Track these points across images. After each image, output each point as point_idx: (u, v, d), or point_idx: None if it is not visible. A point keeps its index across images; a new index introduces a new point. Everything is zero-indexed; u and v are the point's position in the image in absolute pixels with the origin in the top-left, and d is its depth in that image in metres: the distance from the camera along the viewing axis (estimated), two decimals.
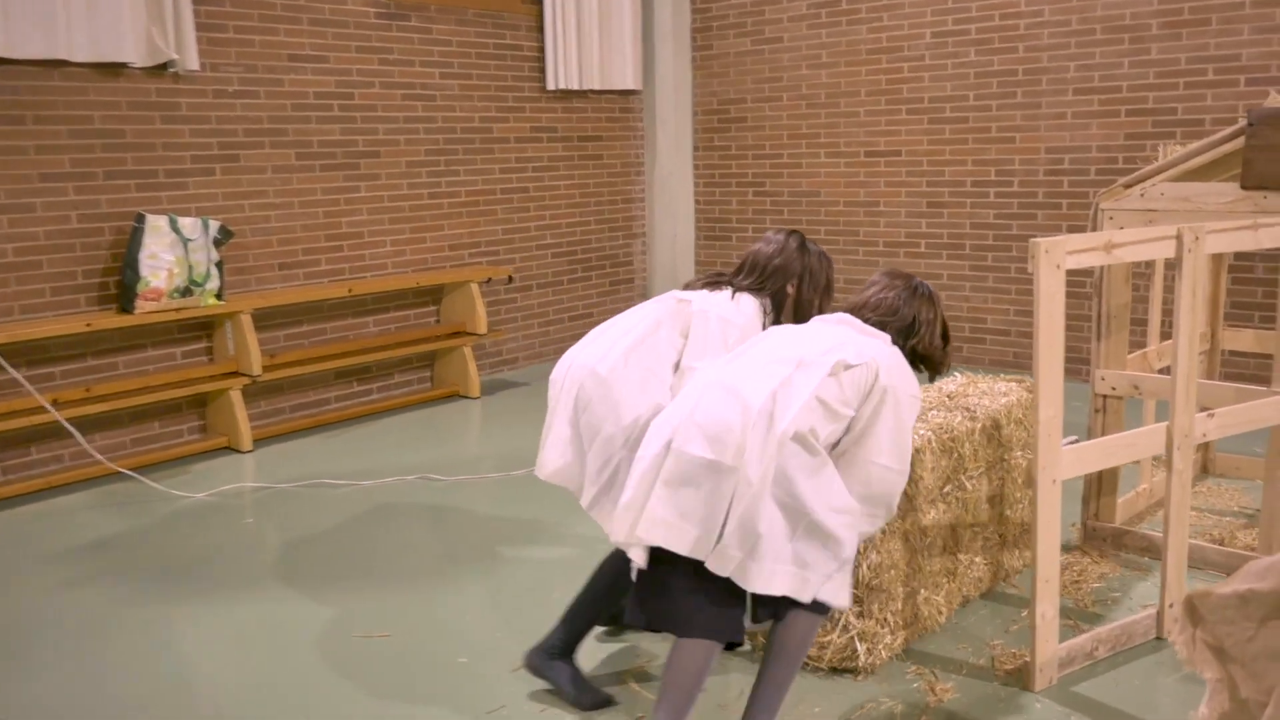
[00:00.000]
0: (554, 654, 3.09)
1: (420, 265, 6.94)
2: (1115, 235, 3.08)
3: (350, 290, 6.28)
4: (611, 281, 8.37)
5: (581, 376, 2.99)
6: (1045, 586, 3.03)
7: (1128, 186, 3.85)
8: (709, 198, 8.51)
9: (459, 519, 4.62)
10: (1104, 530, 4.07)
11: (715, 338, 2.96)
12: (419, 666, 3.32)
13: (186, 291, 5.41)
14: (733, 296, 3.06)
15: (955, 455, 3.43)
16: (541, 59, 7.55)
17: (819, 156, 7.85)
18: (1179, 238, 3.17)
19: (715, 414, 2.50)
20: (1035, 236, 3.13)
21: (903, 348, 2.81)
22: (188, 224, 5.41)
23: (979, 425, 3.53)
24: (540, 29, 7.52)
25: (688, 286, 3.17)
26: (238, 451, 5.66)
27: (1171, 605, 3.33)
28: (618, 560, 3.03)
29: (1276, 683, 1.62)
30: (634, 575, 2.62)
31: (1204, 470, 4.87)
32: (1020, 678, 3.11)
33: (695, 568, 2.49)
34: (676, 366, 3.00)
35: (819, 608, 2.59)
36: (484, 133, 7.26)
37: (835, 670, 3.16)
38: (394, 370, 6.80)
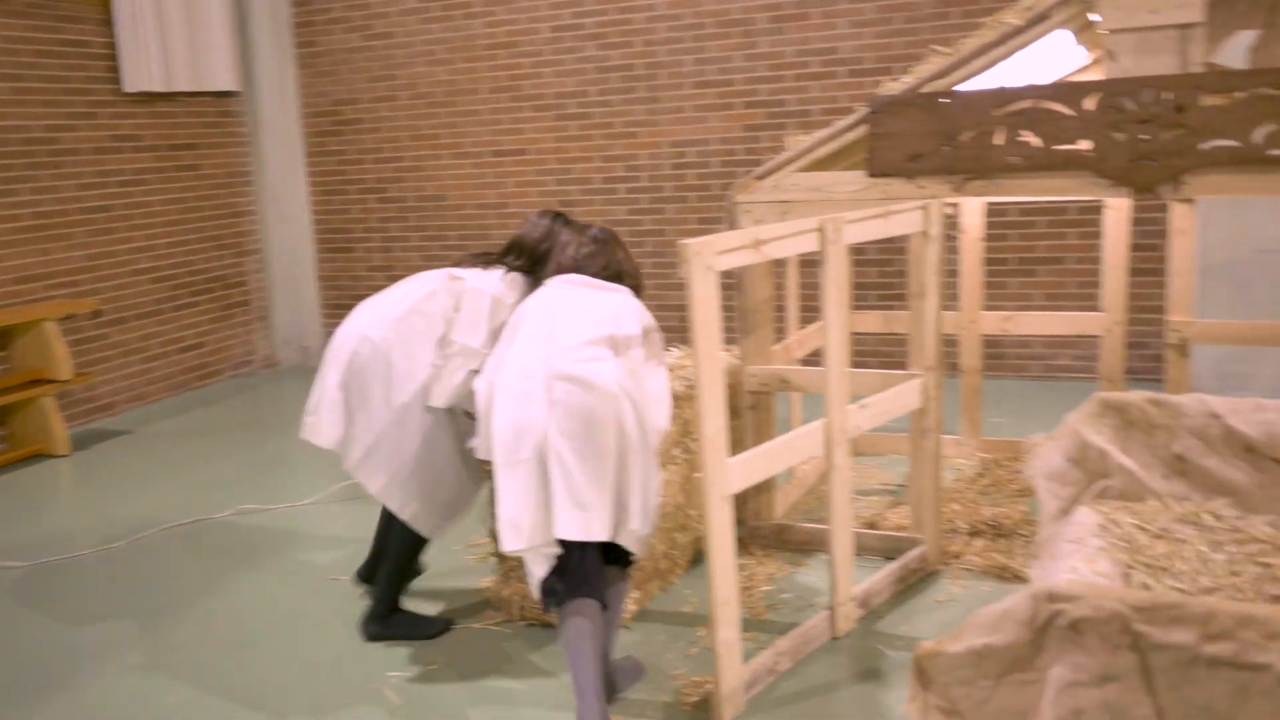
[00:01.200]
0: (385, 614, 3.40)
1: None
2: (762, 232, 2.93)
3: None
4: (225, 305, 7.49)
5: (354, 343, 3.21)
6: (724, 610, 2.83)
7: (760, 178, 3.78)
8: (328, 207, 7.85)
9: (35, 622, 3.78)
10: (766, 529, 3.99)
11: (485, 315, 3.18)
12: None
13: None
14: (504, 276, 3.27)
15: (681, 420, 3.45)
16: (114, 56, 6.56)
17: (443, 158, 7.44)
18: (821, 231, 3.08)
19: (576, 407, 2.70)
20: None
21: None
22: None
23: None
24: (110, 21, 6.52)
25: (459, 264, 3.37)
26: None
27: (843, 603, 3.26)
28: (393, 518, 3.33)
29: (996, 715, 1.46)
30: (539, 572, 2.80)
31: None
32: (706, 709, 2.90)
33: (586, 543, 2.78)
34: (443, 339, 3.21)
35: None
36: (49, 144, 6.18)
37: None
38: None
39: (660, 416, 2.95)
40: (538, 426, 2.71)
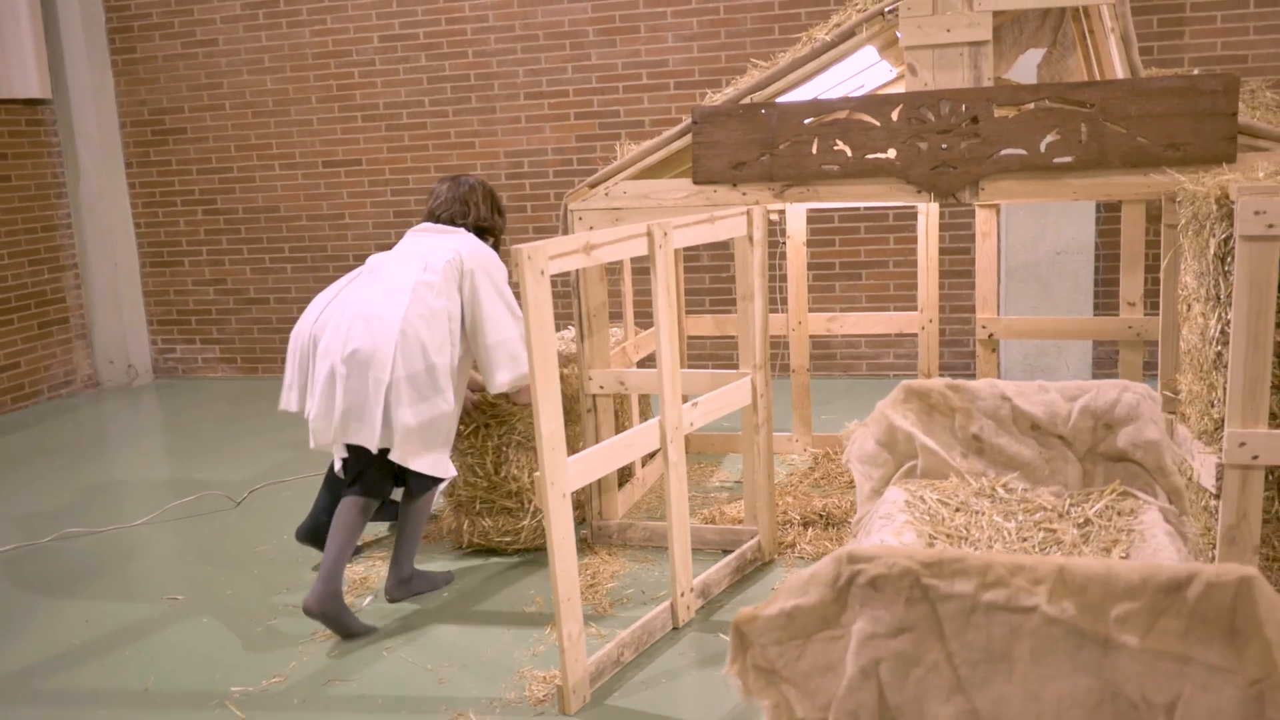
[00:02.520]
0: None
1: None
2: (593, 236, 3.03)
3: None
4: (41, 323, 7.13)
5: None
6: (567, 605, 2.91)
7: (592, 186, 3.89)
8: (152, 219, 7.56)
9: None
10: (609, 528, 4.10)
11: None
12: None
13: None
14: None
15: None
16: None
17: (274, 169, 7.29)
18: (649, 235, 3.21)
19: (361, 340, 3.38)
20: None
21: (472, 230, 3.67)
22: None
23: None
24: None
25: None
26: None
27: (684, 594, 3.40)
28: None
29: (831, 696, 1.59)
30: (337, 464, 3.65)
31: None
32: (555, 703, 2.97)
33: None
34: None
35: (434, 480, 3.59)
36: None
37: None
38: None
39: (488, 352, 3.52)
40: (334, 351, 3.42)
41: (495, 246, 3.76)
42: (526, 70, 6.77)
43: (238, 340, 7.46)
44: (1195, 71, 3.88)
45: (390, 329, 3.36)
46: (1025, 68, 4.99)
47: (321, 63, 7.07)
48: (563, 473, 2.87)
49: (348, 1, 6.93)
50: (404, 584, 3.70)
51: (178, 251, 7.56)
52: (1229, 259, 2.74)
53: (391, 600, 3.69)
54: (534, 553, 4.01)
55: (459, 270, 3.49)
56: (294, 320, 3.99)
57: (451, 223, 3.67)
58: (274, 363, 7.40)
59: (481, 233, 3.72)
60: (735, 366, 3.91)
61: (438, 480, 3.58)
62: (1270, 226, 2.64)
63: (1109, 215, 5.97)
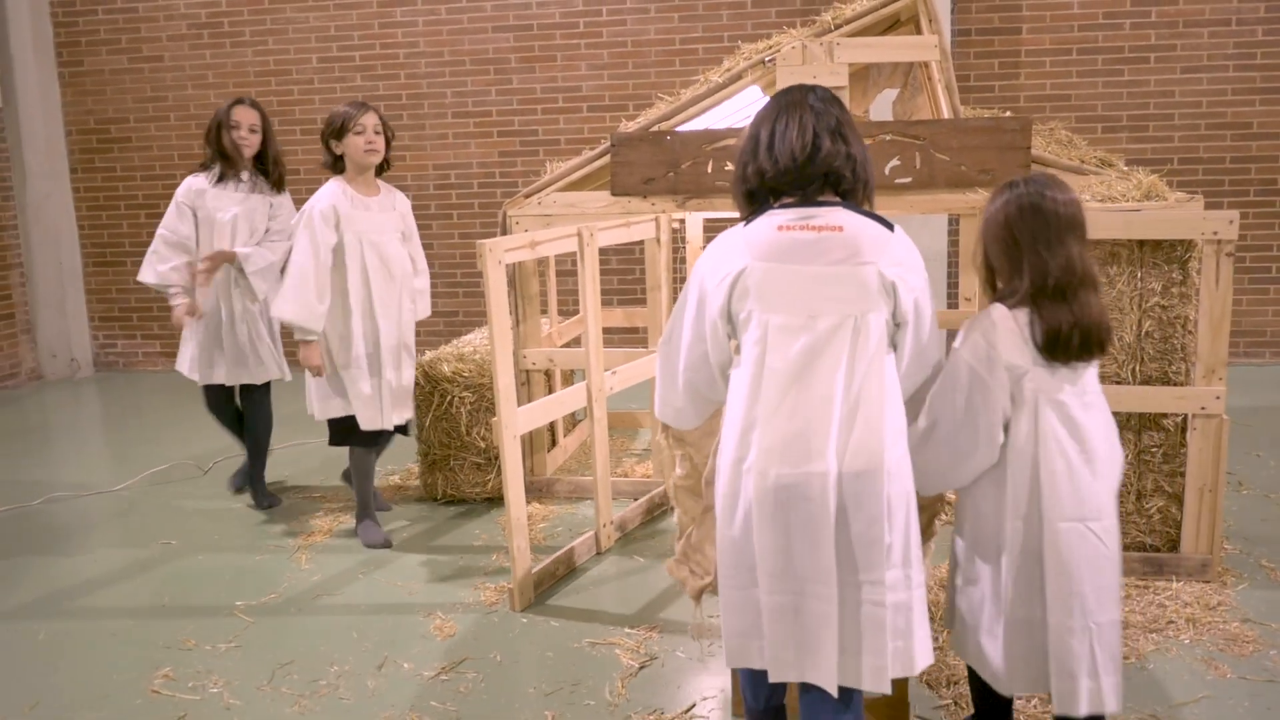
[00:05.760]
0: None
1: None
2: (537, 235, 3.84)
3: None
4: None
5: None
6: (516, 524, 3.70)
7: (527, 196, 4.68)
8: (95, 222, 8.08)
9: None
10: (540, 483, 4.89)
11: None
12: None
13: None
14: None
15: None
16: None
17: None
18: (580, 235, 4.02)
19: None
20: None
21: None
22: None
23: None
24: None
25: None
26: None
27: (605, 525, 4.20)
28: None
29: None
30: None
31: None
32: (505, 604, 3.75)
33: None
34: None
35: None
36: None
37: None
38: None
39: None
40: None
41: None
42: (454, 92, 7.53)
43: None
44: (1007, 113, 4.85)
45: None
46: (884, 103, 5.97)
47: (263, 80, 7.70)
48: (514, 418, 3.66)
49: (289, 25, 7.58)
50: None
51: (120, 252, 8.07)
52: None
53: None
54: (500, 500, 4.75)
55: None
56: None
57: None
58: None
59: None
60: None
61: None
62: None
63: (956, 227, 7.01)
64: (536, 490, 4.87)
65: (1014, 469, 2.36)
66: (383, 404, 4.21)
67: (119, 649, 3.51)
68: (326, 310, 4.09)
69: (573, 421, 5.54)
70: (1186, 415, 3.65)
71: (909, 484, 2.26)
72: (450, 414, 4.69)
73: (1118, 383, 3.65)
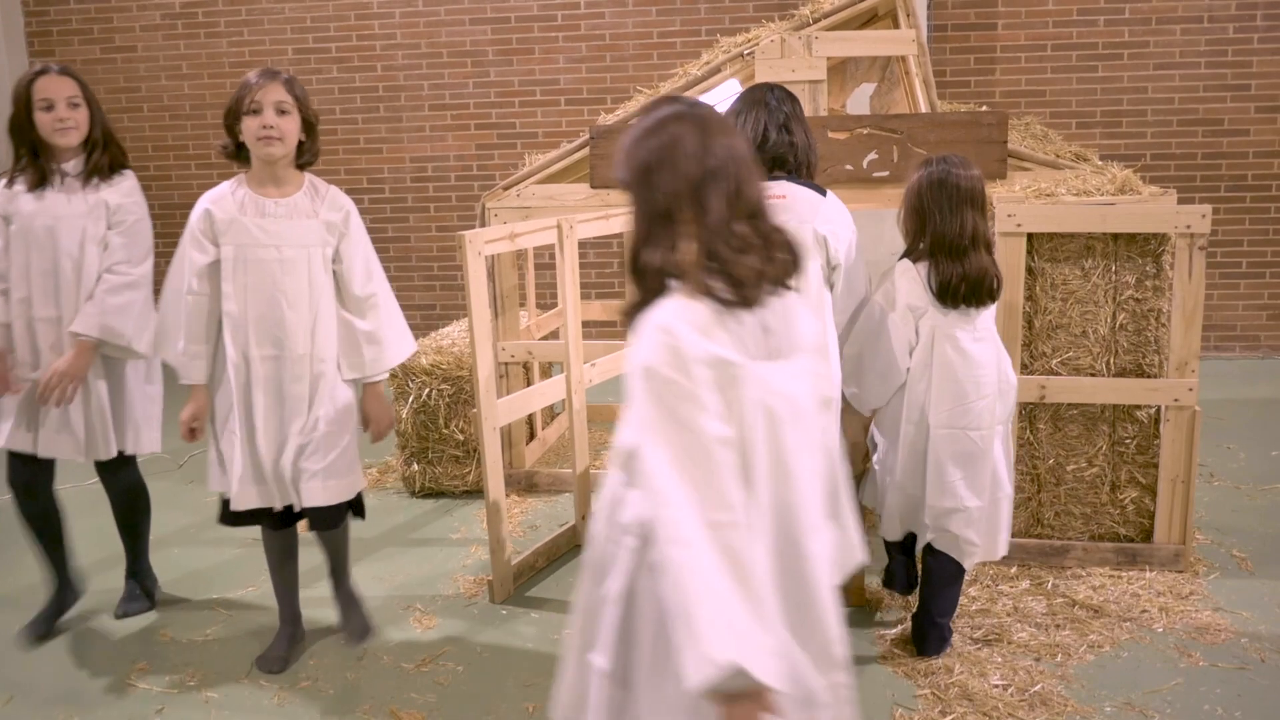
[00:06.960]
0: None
1: None
2: (516, 227, 3.83)
3: None
4: None
5: None
6: (495, 515, 3.70)
7: (506, 189, 4.68)
8: None
9: None
10: (519, 475, 4.88)
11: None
12: None
13: None
14: None
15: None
16: None
17: (190, 168, 7.82)
18: (559, 226, 4.02)
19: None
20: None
21: None
22: None
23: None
24: None
25: None
26: None
27: (584, 517, 4.21)
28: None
29: None
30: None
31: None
32: (485, 596, 3.75)
33: None
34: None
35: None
36: None
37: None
38: None
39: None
40: None
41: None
42: (431, 84, 7.50)
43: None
44: (983, 107, 4.89)
45: None
46: (862, 96, 5.99)
47: (238, 71, 7.63)
48: (494, 410, 3.66)
49: (264, 16, 7.53)
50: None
51: None
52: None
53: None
54: (479, 493, 4.74)
55: None
56: None
57: None
58: None
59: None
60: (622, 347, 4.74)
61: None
62: (1019, 225, 3.63)
63: None
64: (516, 483, 4.87)
65: (911, 386, 3.07)
66: (260, 479, 3.10)
67: (95, 643, 3.49)
68: (203, 352, 3.06)
69: (551, 414, 5.54)
70: (1160, 407, 3.69)
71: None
72: (428, 407, 4.68)
73: (1092, 374, 3.69)
